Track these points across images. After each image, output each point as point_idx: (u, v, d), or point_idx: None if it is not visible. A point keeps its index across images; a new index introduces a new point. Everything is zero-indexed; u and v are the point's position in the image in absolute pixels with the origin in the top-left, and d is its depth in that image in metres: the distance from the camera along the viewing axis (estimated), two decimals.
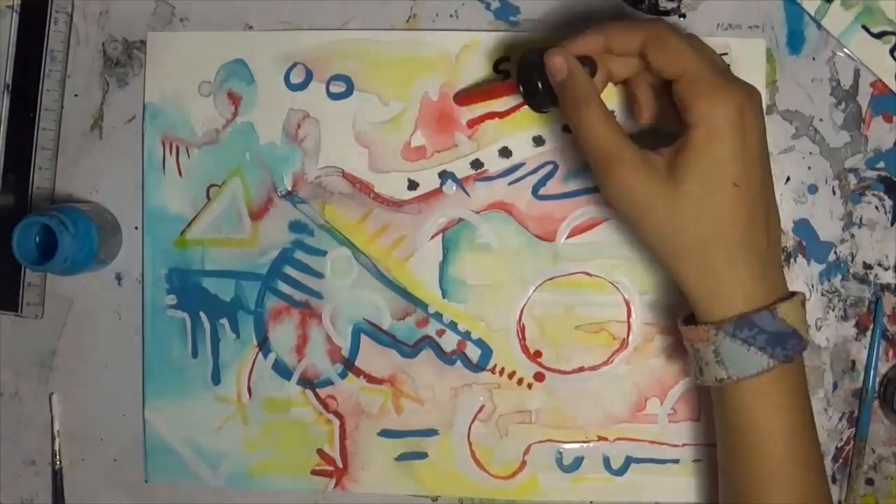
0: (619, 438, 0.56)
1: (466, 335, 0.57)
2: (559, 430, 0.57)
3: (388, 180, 0.57)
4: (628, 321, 0.56)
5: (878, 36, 0.55)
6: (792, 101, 0.56)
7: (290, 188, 0.57)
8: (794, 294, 0.47)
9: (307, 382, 0.57)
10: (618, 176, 0.46)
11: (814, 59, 0.55)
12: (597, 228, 0.56)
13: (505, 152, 0.56)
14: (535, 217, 0.56)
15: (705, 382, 0.48)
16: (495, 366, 0.57)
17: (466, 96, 0.55)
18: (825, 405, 0.56)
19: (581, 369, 0.56)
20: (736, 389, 0.46)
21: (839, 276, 0.56)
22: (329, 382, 0.57)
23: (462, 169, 0.56)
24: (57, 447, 0.58)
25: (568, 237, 0.56)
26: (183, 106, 0.57)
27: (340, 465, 0.57)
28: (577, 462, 0.57)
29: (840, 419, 0.56)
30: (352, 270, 0.57)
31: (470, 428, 0.57)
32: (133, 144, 0.58)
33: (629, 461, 0.56)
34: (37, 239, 0.55)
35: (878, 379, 0.56)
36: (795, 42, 0.55)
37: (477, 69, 0.56)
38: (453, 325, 0.57)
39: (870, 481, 0.56)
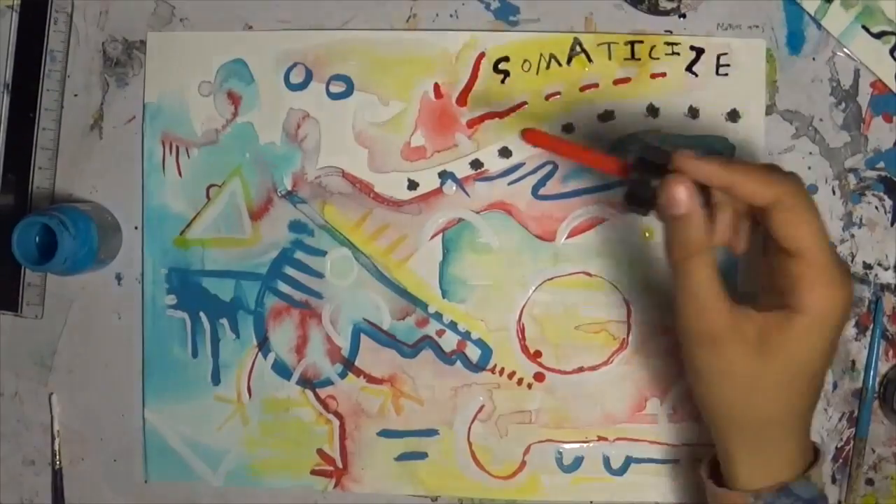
0: (618, 438, 0.56)
1: (466, 335, 0.57)
2: (559, 430, 0.57)
3: (388, 180, 0.57)
4: (628, 321, 0.56)
5: (878, 36, 0.55)
6: (792, 101, 0.56)
7: (289, 188, 0.57)
8: (817, 452, 0.46)
9: (307, 382, 0.57)
10: (712, 349, 0.43)
11: (814, 59, 0.55)
12: (597, 228, 0.56)
13: (505, 152, 0.56)
14: (535, 217, 0.56)
15: None
16: (495, 366, 0.57)
17: (538, 134, 0.47)
18: (825, 405, 0.56)
19: (581, 369, 0.56)
20: None
21: None
22: (329, 382, 0.57)
23: (462, 169, 0.56)
24: (57, 447, 0.58)
25: (568, 237, 0.56)
26: (183, 106, 0.57)
27: (340, 465, 0.57)
28: (577, 462, 0.57)
29: (840, 419, 0.56)
30: (352, 270, 0.57)
31: (470, 428, 0.57)
32: (133, 144, 0.58)
33: (629, 461, 0.56)
34: (37, 239, 0.55)
35: (877, 379, 0.56)
36: (795, 42, 0.55)
37: (477, 69, 0.56)
38: (453, 325, 0.57)
39: (870, 481, 0.56)
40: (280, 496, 0.58)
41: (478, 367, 0.57)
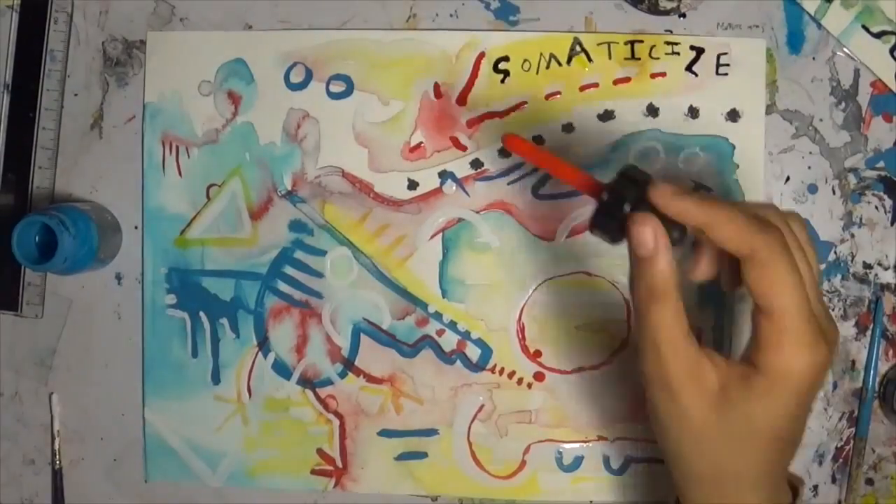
0: (618, 438, 0.56)
1: (466, 335, 0.57)
2: (559, 429, 0.57)
3: (388, 180, 0.57)
4: (628, 321, 0.56)
5: (878, 35, 0.55)
6: (792, 100, 0.56)
7: (289, 188, 0.57)
8: (796, 491, 0.44)
9: (307, 382, 0.57)
10: (669, 394, 0.40)
11: (814, 58, 0.55)
12: None
13: (505, 152, 0.56)
14: (535, 217, 0.56)
15: None
16: (495, 365, 0.57)
17: (517, 141, 0.43)
18: (825, 405, 0.56)
19: (581, 369, 0.56)
20: None
21: (839, 276, 0.56)
22: (329, 382, 0.57)
23: (462, 168, 0.56)
24: (57, 447, 0.58)
25: (568, 237, 0.56)
26: (183, 105, 0.57)
27: (340, 465, 0.57)
28: (577, 462, 0.57)
29: (840, 419, 0.56)
30: (352, 270, 0.57)
31: (470, 428, 0.57)
32: (133, 144, 0.58)
33: (629, 461, 0.56)
34: (36, 238, 0.55)
35: (877, 379, 0.56)
36: (795, 42, 0.55)
37: (476, 69, 0.56)
38: (453, 325, 0.57)
39: (870, 481, 0.56)
40: (280, 496, 0.58)
41: (478, 367, 0.57)
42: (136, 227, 0.58)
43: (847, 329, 0.56)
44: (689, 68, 0.55)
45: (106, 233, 0.56)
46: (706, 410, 0.40)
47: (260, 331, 0.57)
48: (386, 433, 0.57)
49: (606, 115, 0.56)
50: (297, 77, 0.57)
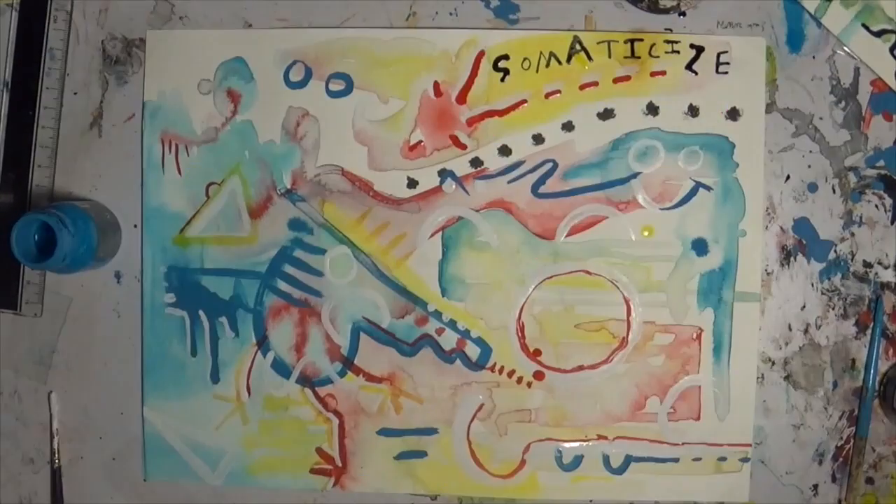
0: (618, 437, 0.56)
1: (466, 333, 0.57)
2: (559, 428, 0.56)
3: (388, 178, 0.57)
4: (628, 319, 0.56)
5: (878, 34, 0.55)
6: (792, 99, 0.55)
7: (289, 186, 0.57)
8: None
9: (306, 381, 0.57)
10: None
11: (814, 57, 0.55)
12: (596, 227, 0.56)
13: (504, 150, 0.56)
14: (535, 215, 0.56)
15: None
16: (495, 364, 0.57)
17: None
18: (825, 404, 0.56)
19: (580, 368, 0.56)
20: None
21: (839, 275, 0.56)
22: (328, 381, 0.57)
23: (461, 167, 0.56)
24: (56, 445, 0.58)
25: (567, 235, 0.56)
26: (182, 104, 0.57)
27: (339, 464, 0.57)
28: (577, 461, 0.57)
29: (840, 418, 0.56)
30: (351, 269, 0.57)
31: (469, 426, 0.57)
32: (132, 142, 0.58)
33: (629, 460, 0.56)
34: (36, 237, 0.54)
35: (878, 377, 0.56)
36: (795, 40, 0.55)
37: (476, 67, 0.56)
38: (453, 324, 0.57)
39: (870, 480, 0.56)
40: (279, 495, 0.58)
41: (477, 366, 0.57)
42: (135, 226, 0.58)
43: (847, 328, 0.56)
44: (689, 67, 0.55)
45: (105, 231, 0.56)
46: None
47: (259, 329, 0.57)
48: (385, 432, 0.57)
49: (606, 114, 0.56)
50: (296, 75, 0.57)
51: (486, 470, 0.57)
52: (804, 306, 0.56)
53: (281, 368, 0.57)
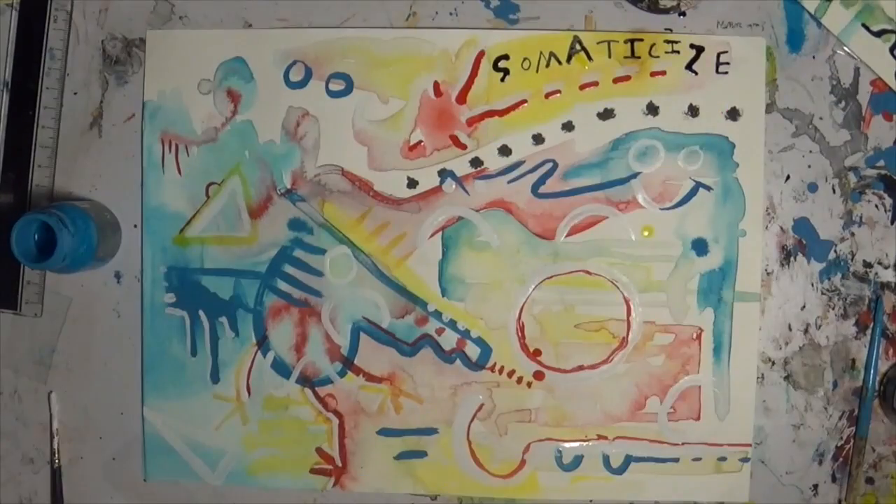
0: (618, 437, 0.56)
1: (466, 333, 0.57)
2: (559, 428, 0.56)
3: (388, 178, 0.57)
4: (628, 319, 0.56)
5: (878, 34, 0.55)
6: (792, 99, 0.55)
7: (289, 186, 0.57)
8: None
9: (306, 381, 0.57)
10: None
11: (814, 57, 0.55)
12: (596, 226, 0.56)
13: (504, 150, 0.56)
14: (535, 215, 0.56)
15: None
16: (495, 364, 0.57)
17: None
18: (825, 404, 0.56)
19: (580, 368, 0.56)
20: None
21: (839, 275, 0.56)
22: (328, 381, 0.57)
23: (461, 167, 0.56)
24: (56, 445, 0.58)
25: (567, 235, 0.56)
26: (182, 104, 0.57)
27: (339, 464, 0.57)
28: (577, 461, 0.57)
29: (840, 418, 0.56)
30: (351, 269, 0.57)
31: (469, 426, 0.57)
32: (132, 142, 0.58)
33: (629, 460, 0.56)
34: (36, 237, 0.54)
35: (878, 378, 0.56)
36: (795, 40, 0.55)
37: (476, 67, 0.56)
38: (453, 324, 0.57)
39: (870, 480, 0.56)
40: (279, 495, 0.58)
41: (477, 366, 0.57)
42: (135, 226, 0.58)
43: (847, 328, 0.56)
44: (689, 67, 0.55)
45: (105, 231, 0.56)
46: None
47: (259, 329, 0.57)
48: (385, 432, 0.57)
49: (606, 114, 0.56)
50: (296, 75, 0.57)
51: (485, 470, 0.57)
52: (804, 306, 0.56)
53: (281, 368, 0.57)
